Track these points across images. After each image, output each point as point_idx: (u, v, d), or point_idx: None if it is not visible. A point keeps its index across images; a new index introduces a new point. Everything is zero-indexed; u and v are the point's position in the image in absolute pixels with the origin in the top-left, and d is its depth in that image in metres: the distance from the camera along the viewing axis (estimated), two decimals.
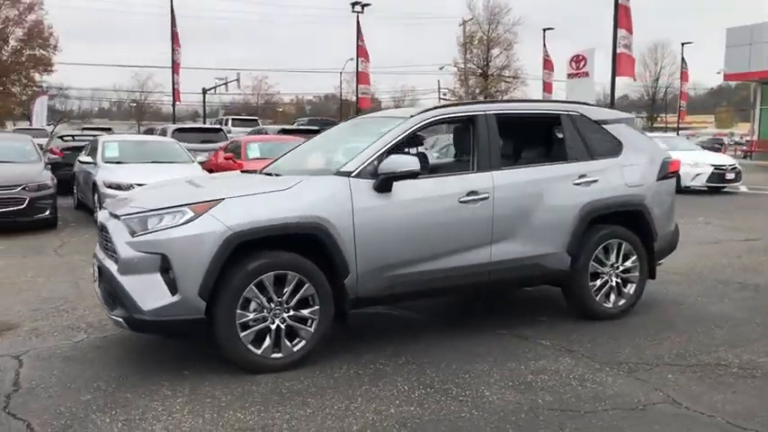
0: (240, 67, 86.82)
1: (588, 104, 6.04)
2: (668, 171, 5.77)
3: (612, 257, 5.43)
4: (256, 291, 4.14)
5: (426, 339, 4.91)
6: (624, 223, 5.50)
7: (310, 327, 4.32)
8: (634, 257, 5.51)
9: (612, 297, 5.46)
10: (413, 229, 4.60)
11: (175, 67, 29.32)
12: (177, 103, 30.79)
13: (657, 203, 5.63)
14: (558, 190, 5.17)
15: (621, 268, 5.48)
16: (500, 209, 4.91)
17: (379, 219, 4.49)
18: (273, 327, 4.22)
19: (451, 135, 7.19)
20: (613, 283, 5.45)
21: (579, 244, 5.24)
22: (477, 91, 50.00)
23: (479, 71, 51.24)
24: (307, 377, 4.14)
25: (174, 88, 29.60)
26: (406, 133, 4.82)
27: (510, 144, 5.82)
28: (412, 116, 4.96)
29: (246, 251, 4.13)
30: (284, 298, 4.23)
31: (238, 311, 4.10)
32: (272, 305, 4.21)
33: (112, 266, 4.20)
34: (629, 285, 5.54)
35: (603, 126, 5.60)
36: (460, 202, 4.77)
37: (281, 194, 4.34)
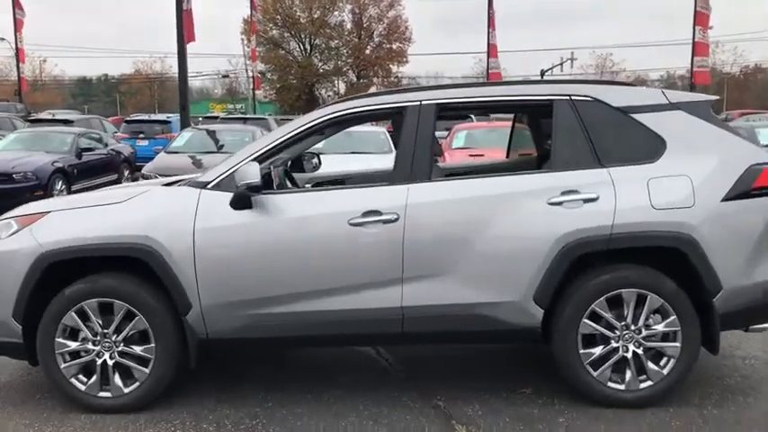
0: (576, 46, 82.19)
1: (617, 83, 4.05)
2: (755, 185, 3.55)
3: (628, 316, 3.55)
4: (78, 319, 3.62)
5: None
6: (658, 264, 3.56)
7: (147, 367, 3.65)
8: (672, 318, 3.53)
9: (628, 375, 3.58)
10: (282, 258, 3.56)
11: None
12: None
13: (725, 236, 3.51)
14: (519, 212, 3.53)
15: (646, 333, 3.56)
16: (415, 235, 3.53)
17: (232, 242, 3.56)
18: (99, 362, 3.65)
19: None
20: (629, 355, 3.57)
21: (557, 292, 3.53)
22: None
23: None
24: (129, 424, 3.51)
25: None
26: (290, 135, 3.76)
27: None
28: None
29: (72, 272, 3.64)
30: (110, 329, 3.63)
31: (58, 340, 3.63)
32: (99, 337, 3.64)
33: None
34: (663, 360, 3.58)
35: (633, 116, 3.65)
36: (351, 224, 3.54)
37: (115, 208, 3.71)
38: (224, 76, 58.08)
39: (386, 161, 11.01)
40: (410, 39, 50.89)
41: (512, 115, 5.27)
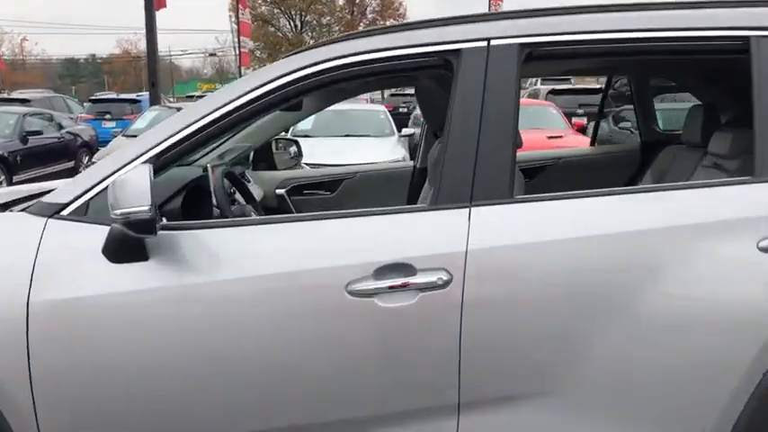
0: None
1: None
2: None
3: None
4: None
5: None
6: None
7: None
8: None
9: None
10: (210, 367, 1.73)
11: None
12: None
13: None
14: (700, 268, 1.70)
15: None
16: (487, 316, 1.71)
17: (107, 334, 1.73)
18: None
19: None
20: None
21: None
22: None
23: None
24: None
25: None
26: (227, 110, 1.84)
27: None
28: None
29: None
30: None
31: None
32: None
33: None
34: None
35: None
36: (353, 293, 1.71)
37: None
38: (211, 55, 55.79)
39: (391, 147, 9.29)
40: (404, 15, 48.82)
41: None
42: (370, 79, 2.24)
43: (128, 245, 1.68)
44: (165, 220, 2.02)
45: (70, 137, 12.26)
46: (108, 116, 15.78)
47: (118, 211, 1.60)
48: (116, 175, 1.74)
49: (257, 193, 3.16)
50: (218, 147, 3.21)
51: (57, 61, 71.14)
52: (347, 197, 3.30)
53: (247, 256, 1.75)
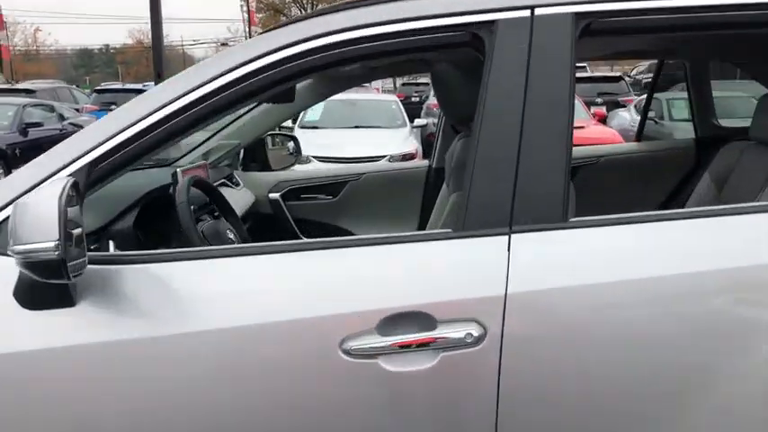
0: None
1: None
2: None
3: None
4: None
5: None
6: None
7: None
8: None
9: None
10: None
11: None
12: None
13: None
14: None
15: None
16: (532, 386, 1.25)
17: (27, 405, 1.29)
18: None
19: None
20: None
21: None
22: None
23: None
24: None
25: None
26: (189, 101, 1.35)
27: None
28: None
29: None
30: None
31: None
32: None
33: None
34: None
35: None
36: (351, 353, 1.24)
37: None
38: (223, 44, 55.32)
39: (403, 139, 8.80)
40: None
41: None
42: (374, 62, 1.77)
43: (41, 288, 1.23)
44: (112, 245, 1.58)
45: (72, 128, 11.87)
46: (113, 107, 15.38)
47: (16, 249, 1.14)
48: (28, 194, 1.28)
49: (246, 199, 2.71)
50: (201, 145, 2.77)
51: (71, 51, 70.99)
52: (351, 202, 2.85)
53: (201, 301, 1.29)
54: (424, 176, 2.85)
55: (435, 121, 11.74)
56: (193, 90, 1.36)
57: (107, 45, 73.20)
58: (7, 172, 9.64)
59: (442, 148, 2.76)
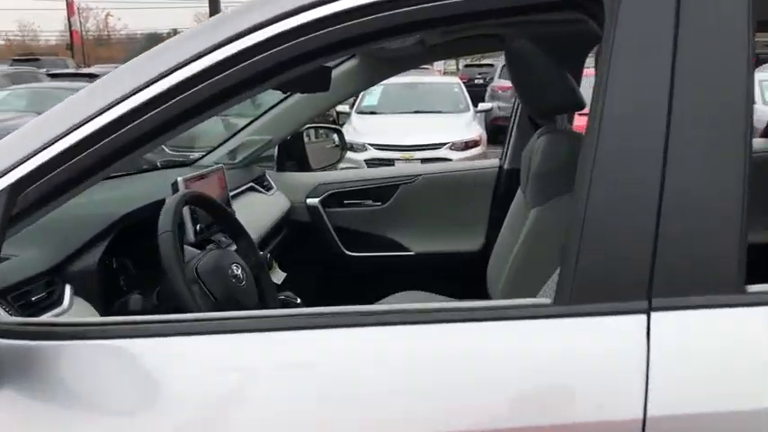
0: None
1: None
2: None
3: None
4: None
5: None
6: None
7: None
8: None
9: None
10: None
11: None
12: None
13: None
14: None
15: None
16: None
17: None
18: None
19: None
20: None
21: None
22: None
23: None
24: None
25: None
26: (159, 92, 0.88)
27: None
28: None
29: None
30: None
31: None
32: None
33: None
34: None
35: None
36: None
37: None
38: None
39: (466, 125, 8.23)
40: None
41: None
42: (434, 38, 1.27)
43: None
44: (68, 292, 1.16)
45: None
46: None
47: None
48: None
49: (280, 205, 2.27)
50: (226, 142, 2.34)
51: (140, 35, 72.69)
52: (404, 210, 2.36)
53: (166, 403, 0.83)
54: (494, 179, 2.33)
55: (501, 105, 11.25)
56: (179, 68, 0.89)
57: (174, 29, 74.60)
58: None
59: (517, 145, 2.23)
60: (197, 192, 1.44)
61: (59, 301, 1.14)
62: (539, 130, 1.86)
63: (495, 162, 2.38)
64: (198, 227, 1.61)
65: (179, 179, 1.57)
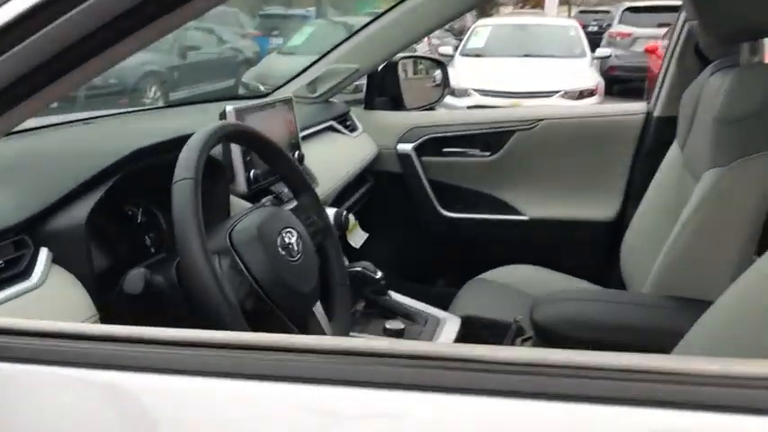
0: None
1: None
2: None
3: None
4: None
5: None
6: None
7: None
8: None
9: None
10: None
11: None
12: None
13: None
14: None
15: None
16: None
17: None
18: None
19: None
20: None
21: None
22: None
23: None
24: None
25: None
26: None
27: None
28: None
29: None
30: None
31: None
32: None
33: None
34: None
35: None
36: None
37: None
38: None
39: (582, 71, 7.49)
40: None
41: None
42: None
43: None
44: (44, 258, 0.81)
45: (231, 53, 11.68)
46: (275, 32, 15.08)
47: None
48: None
49: (366, 151, 1.87)
50: (305, 72, 1.95)
51: None
52: (518, 163, 1.89)
53: None
54: (638, 129, 1.81)
55: (619, 53, 10.27)
56: None
57: None
58: (165, 94, 9.58)
59: (675, 86, 1.71)
60: (241, 125, 1.05)
61: (27, 273, 0.79)
62: (711, 65, 1.35)
63: (640, 107, 1.86)
64: (252, 173, 1.23)
65: (228, 108, 1.18)
